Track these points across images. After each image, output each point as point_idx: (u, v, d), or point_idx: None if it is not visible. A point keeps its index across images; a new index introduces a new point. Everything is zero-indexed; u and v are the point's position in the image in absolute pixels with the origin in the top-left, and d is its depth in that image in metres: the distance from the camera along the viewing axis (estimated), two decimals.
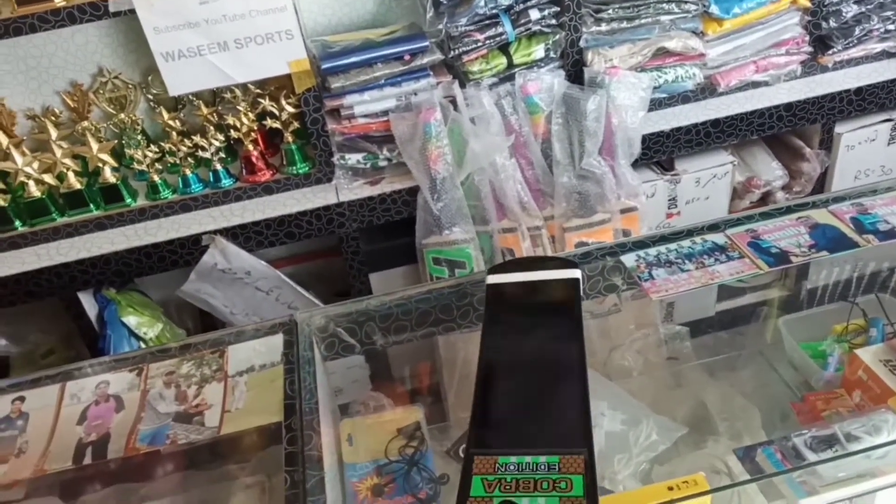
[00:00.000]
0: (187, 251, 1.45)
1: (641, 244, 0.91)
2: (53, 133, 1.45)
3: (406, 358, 1.10)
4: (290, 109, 1.47)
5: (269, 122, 1.48)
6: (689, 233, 0.91)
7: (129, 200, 1.47)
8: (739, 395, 0.91)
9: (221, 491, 0.77)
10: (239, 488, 0.77)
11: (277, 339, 0.86)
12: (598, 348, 1.03)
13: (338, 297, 1.78)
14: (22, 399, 0.82)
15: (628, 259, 0.88)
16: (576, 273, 0.79)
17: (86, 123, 1.49)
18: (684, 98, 1.62)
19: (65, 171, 1.44)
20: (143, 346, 1.46)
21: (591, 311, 1.09)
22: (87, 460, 0.73)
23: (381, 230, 1.59)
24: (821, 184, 1.72)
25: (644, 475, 0.79)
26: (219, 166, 1.50)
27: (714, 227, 0.92)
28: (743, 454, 0.77)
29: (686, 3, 1.49)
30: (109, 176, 1.45)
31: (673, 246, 0.89)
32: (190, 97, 1.54)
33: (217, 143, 1.48)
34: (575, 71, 1.52)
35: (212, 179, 1.51)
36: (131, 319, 1.48)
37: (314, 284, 1.71)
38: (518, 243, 1.54)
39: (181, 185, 1.50)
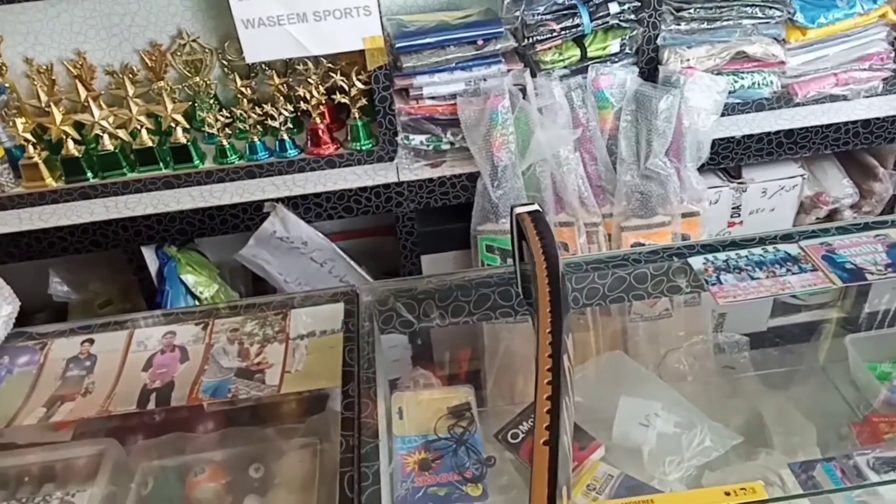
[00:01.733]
0: (249, 216, 1.48)
1: (711, 248, 0.89)
2: (130, 90, 1.48)
3: (452, 340, 1.11)
4: (360, 86, 1.48)
5: (337, 97, 1.50)
6: (762, 241, 0.89)
7: (197, 162, 1.51)
8: (797, 409, 0.89)
9: (274, 449, 0.79)
10: (291, 448, 0.79)
11: (338, 308, 0.87)
12: (652, 350, 1.02)
13: (386, 276, 1.79)
14: (91, 341, 0.85)
15: (696, 262, 0.87)
16: None
17: (161, 83, 1.53)
18: (759, 105, 1.58)
19: (138, 127, 1.48)
20: (198, 305, 1.50)
21: (647, 312, 1.08)
22: (151, 405, 0.76)
23: (437, 213, 1.59)
24: (891, 205, 1.67)
25: (693, 480, 0.78)
26: (286, 136, 1.52)
27: (788, 237, 0.90)
28: (799, 468, 0.76)
29: (771, 7, 1.45)
30: (181, 136, 1.49)
31: (743, 252, 0.88)
32: (263, 66, 1.57)
33: (286, 114, 1.50)
34: (649, 69, 1.49)
35: (278, 148, 1.53)
36: (189, 278, 1.52)
37: (364, 261, 1.73)
38: (574, 238, 1.53)
39: (248, 152, 1.52)
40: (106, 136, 1.47)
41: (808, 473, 0.73)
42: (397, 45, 1.42)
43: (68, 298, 1.64)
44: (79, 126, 1.49)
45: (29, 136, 1.45)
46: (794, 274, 0.84)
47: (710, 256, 0.87)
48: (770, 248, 0.88)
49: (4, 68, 1.53)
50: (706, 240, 0.89)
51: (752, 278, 0.83)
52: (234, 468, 0.78)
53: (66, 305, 1.66)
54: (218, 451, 0.79)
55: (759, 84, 1.54)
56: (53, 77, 1.55)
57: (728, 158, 1.55)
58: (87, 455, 0.82)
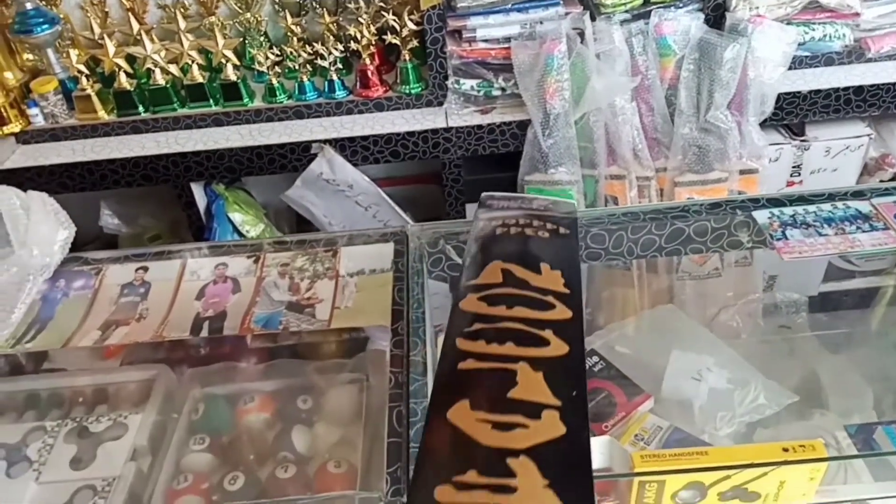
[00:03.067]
0: (296, 157, 1.48)
1: (777, 202, 0.85)
2: (182, 24, 1.47)
3: None
4: (412, 26, 1.44)
5: (388, 38, 1.47)
6: (831, 196, 0.85)
7: (246, 100, 1.50)
8: (854, 372, 0.86)
9: (322, 383, 0.80)
10: (339, 382, 0.79)
11: (388, 248, 0.86)
12: (705, 306, 0.99)
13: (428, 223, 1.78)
14: (145, 269, 0.86)
15: (760, 215, 0.84)
16: None
17: (213, 18, 1.52)
18: (828, 59, 1.50)
19: (189, 63, 1.47)
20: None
21: (699, 268, 1.05)
22: (204, 333, 0.77)
23: (484, 161, 1.57)
24: None
25: (744, 437, 0.77)
26: (335, 77, 1.50)
27: (859, 194, 0.85)
28: (856, 431, 0.74)
29: None
30: (231, 73, 1.48)
31: (812, 208, 0.84)
32: (313, 4, 1.54)
33: (336, 53, 1.48)
34: (715, 16, 1.42)
35: (326, 89, 1.51)
36: (236, 216, 1.53)
37: (409, 208, 1.72)
38: (624, 192, 1.49)
39: (297, 92, 1.51)
40: (158, 71, 1.47)
41: (866, 436, 0.70)
42: None
43: (118, 231, 1.67)
44: (131, 59, 1.49)
45: (82, 67, 1.46)
46: (864, 232, 0.80)
47: (775, 210, 0.84)
48: (840, 204, 0.84)
49: None
50: (772, 194, 0.85)
51: (820, 234, 0.80)
52: (283, 399, 0.78)
53: (115, 238, 1.69)
54: (267, 381, 0.80)
55: (830, 36, 1.46)
56: (107, 9, 1.55)
57: (792, 114, 1.48)
58: (140, 380, 0.83)
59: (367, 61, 1.50)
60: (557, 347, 0.54)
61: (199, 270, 0.84)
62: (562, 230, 0.68)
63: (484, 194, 0.77)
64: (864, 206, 0.84)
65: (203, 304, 0.80)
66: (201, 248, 0.88)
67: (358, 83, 1.52)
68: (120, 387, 0.83)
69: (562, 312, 0.57)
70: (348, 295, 0.80)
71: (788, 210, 0.84)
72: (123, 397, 0.82)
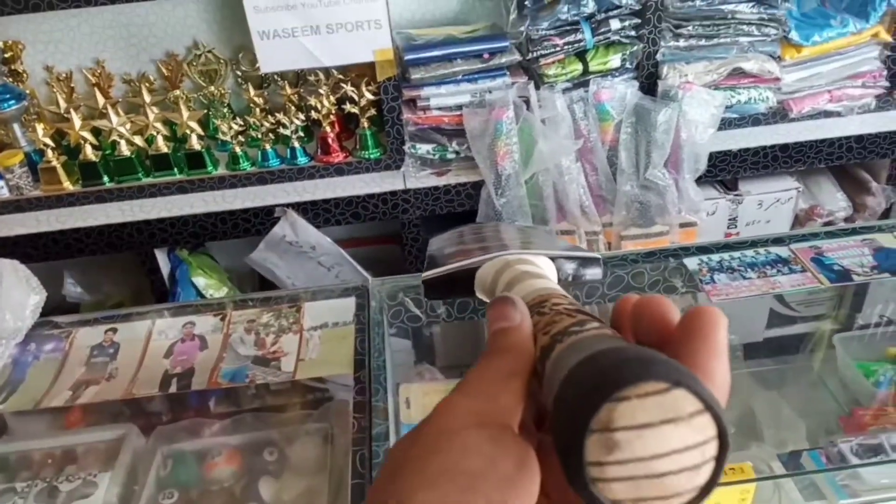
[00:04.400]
0: (259, 221, 1.53)
1: (705, 249, 0.93)
2: (147, 98, 1.54)
3: (456, 335, 1.15)
4: (370, 96, 1.53)
5: (347, 107, 1.55)
6: (753, 243, 0.94)
7: (210, 168, 1.56)
8: (787, 405, 0.93)
9: (288, 434, 0.83)
10: (304, 433, 0.82)
11: (350, 302, 0.91)
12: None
13: None
14: (114, 330, 0.89)
15: (691, 262, 0.91)
16: None
17: (177, 92, 1.58)
18: (755, 120, 1.63)
19: (154, 134, 1.53)
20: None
21: None
22: (173, 389, 0.80)
23: (441, 220, 1.64)
24: (884, 219, 1.71)
25: None
26: (296, 144, 1.57)
27: (779, 241, 0.94)
28: (787, 459, 0.80)
29: (767, 26, 1.51)
30: (195, 143, 1.54)
31: (736, 254, 0.92)
32: (275, 77, 1.62)
33: (297, 122, 1.55)
34: (649, 83, 1.55)
35: (289, 156, 1.58)
36: (200, 280, 1.56)
37: (370, 268, 1.77)
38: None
39: (260, 159, 1.57)
40: (123, 142, 1.52)
41: (795, 462, 0.76)
42: (406, 58, 1.47)
43: (81, 299, 1.68)
44: (96, 132, 1.54)
45: (48, 140, 1.50)
46: (784, 274, 0.88)
47: (704, 258, 0.92)
48: (762, 250, 0.93)
49: (25, 75, 1.58)
50: (701, 242, 0.94)
51: (745, 278, 0.88)
52: (250, 451, 0.81)
53: (77, 307, 1.70)
54: (234, 435, 0.83)
55: (755, 99, 1.59)
56: (73, 84, 1.60)
57: (725, 171, 1.60)
58: (108, 440, 0.85)
59: (328, 129, 1.57)
60: None
61: (167, 330, 0.88)
62: None
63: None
64: (783, 251, 0.93)
65: (172, 362, 0.83)
66: (169, 308, 0.92)
67: (319, 150, 1.59)
68: (88, 447, 0.85)
69: None
70: (312, 347, 0.84)
71: (716, 257, 0.92)
72: (92, 457, 0.84)
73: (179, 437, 0.85)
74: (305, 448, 0.81)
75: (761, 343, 1.08)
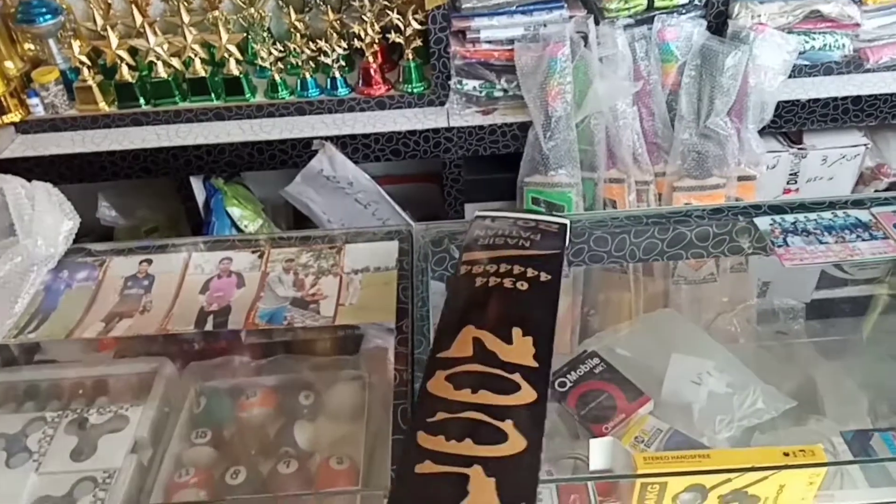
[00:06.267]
0: (297, 153, 1.48)
1: (778, 209, 0.86)
2: (185, 17, 1.47)
3: None
4: (416, 25, 1.45)
5: (392, 36, 1.47)
6: (831, 205, 0.86)
7: (248, 95, 1.50)
8: (849, 379, 0.87)
9: (324, 379, 0.80)
10: (341, 379, 0.79)
11: (392, 246, 0.87)
12: (703, 310, 1.00)
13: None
14: (149, 262, 0.86)
15: (762, 222, 0.85)
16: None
17: (216, 12, 1.51)
18: (827, 69, 1.51)
19: (192, 56, 1.47)
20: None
21: (699, 272, 1.06)
22: (209, 327, 0.77)
23: (484, 161, 1.57)
24: None
25: (743, 441, 0.78)
26: (337, 74, 1.50)
27: (859, 203, 0.87)
28: (853, 437, 0.74)
29: None
30: (233, 68, 1.48)
31: (812, 216, 0.85)
32: (317, 0, 1.54)
33: (339, 51, 1.48)
34: (717, 22, 1.44)
35: (329, 86, 1.51)
36: (235, 211, 1.53)
37: (408, 207, 1.72)
38: (623, 195, 1.50)
39: (299, 88, 1.51)
40: (160, 64, 1.47)
41: (863, 442, 0.71)
42: None
43: (115, 223, 1.66)
44: (133, 51, 1.49)
45: (84, 58, 1.45)
46: (864, 241, 0.81)
47: (777, 217, 0.85)
48: (840, 212, 0.85)
49: None
50: (774, 201, 0.86)
51: (821, 242, 0.81)
52: (285, 394, 0.79)
53: (111, 231, 1.69)
54: (270, 376, 0.80)
55: (830, 46, 1.47)
56: (110, 1, 1.54)
57: (790, 122, 1.50)
58: (140, 372, 0.83)
59: (370, 59, 1.50)
60: (515, 443, 0.55)
61: (204, 264, 0.84)
62: (543, 276, 0.68)
63: (476, 215, 0.76)
64: (863, 214, 0.85)
65: (207, 299, 0.80)
66: (206, 241, 0.88)
67: (360, 81, 1.52)
68: (120, 379, 0.83)
69: (526, 395, 0.58)
70: (353, 292, 0.80)
71: (790, 217, 0.85)
72: (124, 390, 0.82)
73: (213, 374, 0.82)
74: (342, 394, 0.78)
75: (820, 310, 1.01)
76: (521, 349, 0.61)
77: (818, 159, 1.53)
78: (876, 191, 1.62)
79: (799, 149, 1.52)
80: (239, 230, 1.53)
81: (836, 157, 1.54)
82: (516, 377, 0.59)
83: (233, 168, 1.50)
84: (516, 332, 0.63)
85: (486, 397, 0.58)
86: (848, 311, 1.01)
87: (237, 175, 1.62)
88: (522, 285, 0.67)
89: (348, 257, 0.85)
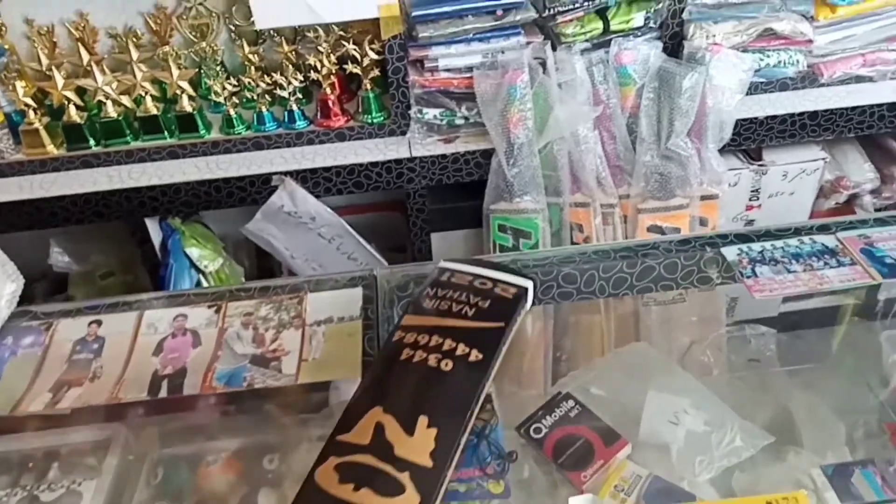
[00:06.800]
0: (256, 189, 1.44)
1: (745, 237, 0.86)
2: (134, 54, 1.43)
3: None
4: (373, 56, 1.42)
5: (349, 67, 1.44)
6: (797, 231, 0.86)
7: (203, 132, 1.46)
8: (826, 407, 0.86)
9: (290, 440, 0.76)
10: (308, 439, 0.76)
11: (356, 293, 0.84)
12: (674, 341, 0.99)
13: (392, 252, 1.76)
14: (99, 323, 0.82)
15: (730, 252, 0.84)
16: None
17: (167, 48, 1.47)
18: (783, 85, 1.53)
19: (143, 94, 1.43)
20: (202, 278, 1.46)
21: (672, 300, 1.04)
22: (163, 393, 0.73)
23: (448, 190, 1.55)
24: None
25: (723, 481, 0.76)
26: (295, 107, 1.47)
27: (824, 228, 0.86)
28: (833, 472, 0.73)
29: None
30: (186, 104, 1.44)
31: (779, 243, 0.84)
32: (271, 32, 1.51)
33: (295, 83, 1.45)
34: (673, 44, 1.44)
35: (286, 119, 1.48)
36: (194, 251, 1.48)
37: (372, 238, 1.69)
38: (589, 219, 1.49)
39: (255, 122, 1.47)
40: (109, 103, 1.42)
41: (844, 478, 0.70)
42: (413, 14, 1.36)
43: (69, 269, 1.60)
44: (81, 91, 1.44)
45: (29, 100, 1.40)
46: (832, 268, 0.81)
47: (744, 247, 0.84)
48: (806, 239, 0.85)
49: (4, 29, 1.47)
50: (740, 229, 0.86)
51: (789, 271, 0.80)
52: (248, 459, 0.75)
53: (65, 276, 1.62)
54: (231, 440, 0.76)
55: (784, 63, 1.49)
56: (55, 39, 1.49)
57: (749, 140, 1.51)
58: (94, 441, 0.79)
59: (328, 91, 1.47)
60: None
61: (157, 323, 0.80)
62: (473, 356, 0.64)
63: (439, 266, 0.73)
64: (830, 240, 0.85)
65: (161, 361, 0.76)
66: (158, 297, 0.84)
67: (319, 113, 1.49)
68: (74, 449, 0.79)
69: (408, 501, 0.54)
70: (316, 345, 0.77)
71: (756, 246, 0.84)
72: (76, 461, 0.77)
73: (171, 440, 0.78)
74: (310, 456, 0.74)
75: (796, 337, 1.01)
76: (420, 443, 0.57)
77: (779, 175, 1.54)
78: (836, 204, 1.64)
79: (759, 165, 1.53)
80: (199, 271, 1.49)
81: (797, 171, 1.55)
82: (404, 477, 0.54)
83: (189, 208, 1.46)
84: (422, 421, 0.58)
85: (366, 498, 0.53)
86: (819, 336, 1.01)
87: (195, 214, 1.57)
88: (447, 365, 0.63)
89: (311, 307, 0.82)
